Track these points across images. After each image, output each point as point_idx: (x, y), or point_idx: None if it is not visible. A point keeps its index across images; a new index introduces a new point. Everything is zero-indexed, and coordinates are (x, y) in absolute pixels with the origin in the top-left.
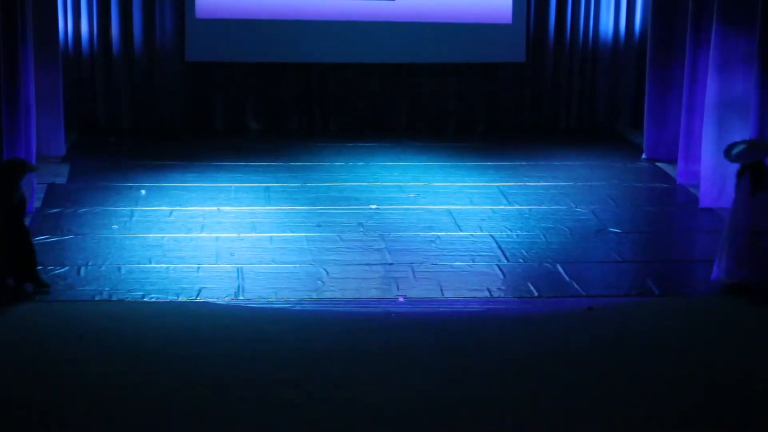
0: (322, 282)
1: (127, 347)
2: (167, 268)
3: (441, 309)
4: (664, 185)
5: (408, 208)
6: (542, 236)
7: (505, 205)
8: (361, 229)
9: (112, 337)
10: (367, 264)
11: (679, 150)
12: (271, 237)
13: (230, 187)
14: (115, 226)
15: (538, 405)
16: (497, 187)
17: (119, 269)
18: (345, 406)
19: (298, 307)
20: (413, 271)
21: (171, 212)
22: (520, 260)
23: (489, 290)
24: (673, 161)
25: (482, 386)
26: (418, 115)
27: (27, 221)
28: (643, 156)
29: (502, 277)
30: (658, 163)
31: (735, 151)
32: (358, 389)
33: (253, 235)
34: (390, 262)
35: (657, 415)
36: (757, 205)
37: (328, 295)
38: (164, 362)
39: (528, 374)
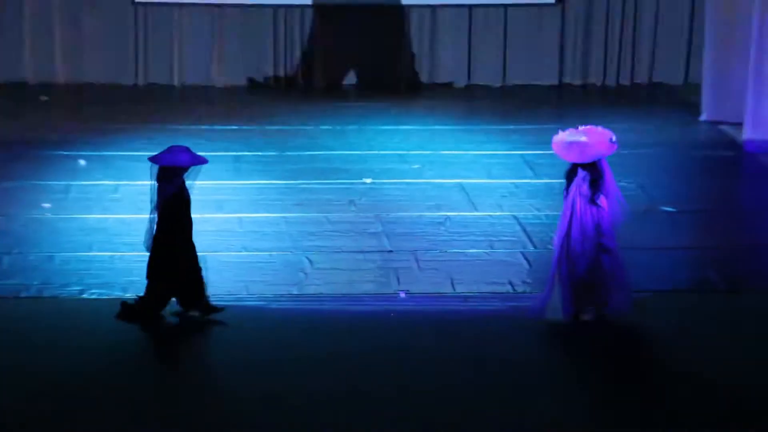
0: (305, 274)
1: (62, 355)
2: (112, 257)
3: (452, 307)
4: (728, 153)
5: (411, 183)
6: None
7: (531, 178)
8: (353, 208)
9: (42, 343)
10: (360, 251)
11: (747, 110)
12: (240, 218)
13: None
14: (47, 204)
15: (570, 427)
16: (521, 156)
17: (52, 258)
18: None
19: (274, 305)
20: (417, 261)
21: (117, 187)
22: (550, 246)
23: (511, 284)
24: (739, 123)
25: (503, 403)
26: (424, 67)
27: None
28: (702, 117)
29: (527, 267)
30: (720, 126)
31: (569, 141)
32: (350, 409)
33: (219, 215)
34: (389, 249)
35: None
36: (595, 215)
37: (311, 290)
38: (108, 374)
39: (559, 389)
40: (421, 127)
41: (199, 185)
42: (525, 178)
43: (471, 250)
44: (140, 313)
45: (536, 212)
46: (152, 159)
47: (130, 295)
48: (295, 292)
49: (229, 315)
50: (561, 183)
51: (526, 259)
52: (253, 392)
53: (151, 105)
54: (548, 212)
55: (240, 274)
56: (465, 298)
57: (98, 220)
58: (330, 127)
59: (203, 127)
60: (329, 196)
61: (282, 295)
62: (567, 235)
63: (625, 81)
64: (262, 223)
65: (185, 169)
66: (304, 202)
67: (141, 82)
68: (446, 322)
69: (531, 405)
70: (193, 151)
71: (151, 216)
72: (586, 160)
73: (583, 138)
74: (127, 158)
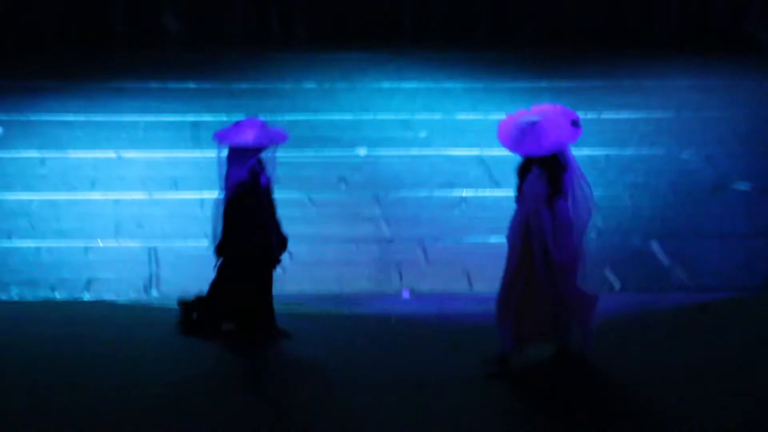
0: (282, 269)
1: None
2: (37, 248)
3: (467, 310)
4: None
5: (416, 155)
6: (627, 197)
7: None
8: (344, 186)
9: None
10: (353, 241)
11: None
12: (201, 200)
13: (137, 121)
14: None
15: None
16: None
17: None
18: None
19: None
20: (425, 252)
21: (43, 161)
22: (593, 234)
23: None
24: None
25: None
26: (432, 9)
27: None
28: None
29: None
30: None
31: (521, 124)
32: None
33: (174, 196)
34: (389, 237)
35: None
36: (554, 221)
37: (292, 288)
38: (34, 396)
39: (600, 417)
40: (430, 84)
41: (146, 157)
42: None
43: (492, 239)
44: (202, 324)
45: None
46: (216, 136)
47: (59, 295)
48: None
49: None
50: (605, 156)
51: None
52: (217, 416)
53: (86, 55)
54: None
55: (200, 268)
56: (484, 298)
57: (20, 203)
58: (314, 85)
59: (153, 85)
60: (313, 172)
61: None
62: (522, 246)
63: (692, 23)
64: None
65: (258, 149)
66: (281, 178)
67: (73, 25)
68: (461, 329)
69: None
70: (267, 125)
71: (216, 205)
72: (544, 152)
73: (537, 119)
74: (56, 124)
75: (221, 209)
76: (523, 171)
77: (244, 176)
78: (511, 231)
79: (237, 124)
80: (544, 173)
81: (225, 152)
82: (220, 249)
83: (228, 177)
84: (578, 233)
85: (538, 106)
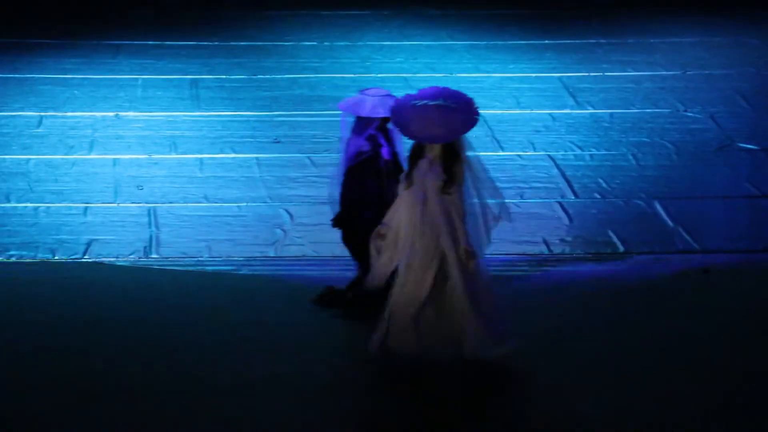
0: (284, 231)
1: None
2: (35, 209)
3: None
4: None
5: None
6: (631, 157)
7: (572, 107)
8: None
9: None
10: None
11: None
12: (201, 159)
13: (135, 80)
14: None
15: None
16: (559, 79)
17: None
18: None
19: (245, 271)
20: None
21: (40, 120)
22: (596, 195)
23: (546, 242)
24: None
25: (534, 398)
26: None
27: None
28: None
29: (567, 221)
30: None
31: (433, 107)
32: (344, 409)
33: (173, 156)
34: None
35: None
36: (449, 215)
37: (292, 251)
38: (34, 360)
39: (613, 378)
40: (432, 43)
41: (145, 117)
42: (564, 107)
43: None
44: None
45: (578, 151)
46: (340, 104)
47: (59, 257)
48: (272, 255)
49: (188, 284)
50: (609, 115)
51: (565, 211)
52: (216, 379)
53: (83, 12)
54: (594, 151)
55: (200, 231)
56: (487, 260)
57: (17, 163)
58: (315, 43)
59: (150, 42)
60: (314, 132)
61: (254, 258)
62: (422, 239)
63: None
64: (229, 166)
65: (376, 120)
66: (281, 139)
67: None
68: None
69: (574, 390)
70: (389, 95)
71: (333, 176)
72: (454, 136)
73: (444, 102)
74: (53, 81)
75: (340, 177)
76: (415, 157)
77: (362, 145)
78: (391, 221)
79: (361, 92)
80: (438, 160)
81: (350, 120)
82: (338, 220)
83: (348, 145)
84: (474, 229)
85: (430, 89)
